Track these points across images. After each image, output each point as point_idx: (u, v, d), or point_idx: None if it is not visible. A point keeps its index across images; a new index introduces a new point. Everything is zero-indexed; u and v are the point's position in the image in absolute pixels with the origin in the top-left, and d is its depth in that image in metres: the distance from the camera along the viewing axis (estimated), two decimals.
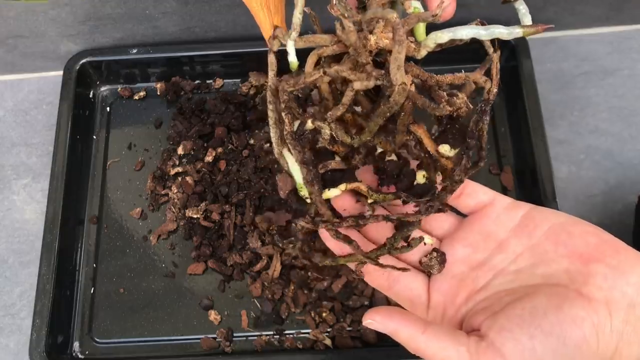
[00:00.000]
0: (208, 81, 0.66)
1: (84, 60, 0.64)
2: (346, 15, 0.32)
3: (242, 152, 0.61)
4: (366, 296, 0.55)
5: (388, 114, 0.33)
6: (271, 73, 0.35)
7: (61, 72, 0.64)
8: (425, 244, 0.38)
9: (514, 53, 0.61)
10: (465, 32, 0.33)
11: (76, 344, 0.56)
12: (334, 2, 0.32)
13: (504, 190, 0.59)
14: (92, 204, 0.61)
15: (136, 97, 0.66)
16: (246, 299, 0.57)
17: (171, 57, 0.64)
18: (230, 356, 0.54)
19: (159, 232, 0.59)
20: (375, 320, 0.34)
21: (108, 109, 0.66)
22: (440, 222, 0.38)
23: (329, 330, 0.54)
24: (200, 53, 0.64)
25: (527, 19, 0.33)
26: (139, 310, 0.57)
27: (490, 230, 0.36)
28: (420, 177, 0.37)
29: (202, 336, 0.55)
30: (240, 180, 0.59)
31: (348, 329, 0.54)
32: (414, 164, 0.37)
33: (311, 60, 0.34)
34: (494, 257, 0.35)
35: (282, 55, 0.35)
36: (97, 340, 0.56)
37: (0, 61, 0.66)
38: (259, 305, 0.56)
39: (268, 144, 0.61)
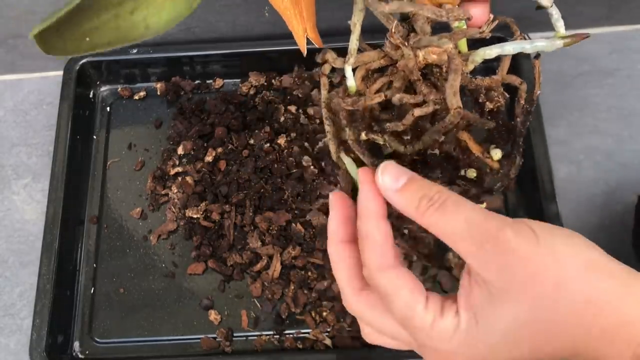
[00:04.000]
0: (208, 81, 0.66)
1: (84, 61, 0.64)
2: (406, 44, 0.34)
3: (242, 152, 0.61)
4: None
5: (443, 132, 0.35)
6: (324, 92, 0.37)
7: (61, 72, 0.64)
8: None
9: None
10: (512, 47, 0.36)
11: (76, 344, 0.56)
12: (394, 32, 0.34)
13: (504, 190, 0.59)
14: (92, 204, 0.61)
15: (136, 97, 0.66)
16: (246, 299, 0.57)
17: (171, 57, 0.64)
18: (230, 356, 0.55)
19: (159, 232, 0.59)
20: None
21: (108, 109, 0.66)
22: None
23: (329, 330, 0.54)
24: (200, 53, 0.64)
25: (560, 25, 0.36)
26: (139, 310, 0.57)
27: None
28: (471, 174, 0.39)
29: (202, 336, 0.55)
30: (240, 180, 0.59)
31: (348, 329, 0.54)
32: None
33: (359, 74, 0.37)
34: None
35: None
36: (97, 340, 0.56)
37: (0, 61, 0.66)
38: (259, 305, 0.56)
39: (268, 144, 0.61)
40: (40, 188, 0.63)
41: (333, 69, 0.38)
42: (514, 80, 0.38)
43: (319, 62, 0.37)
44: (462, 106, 0.33)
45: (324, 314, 0.55)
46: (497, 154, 0.38)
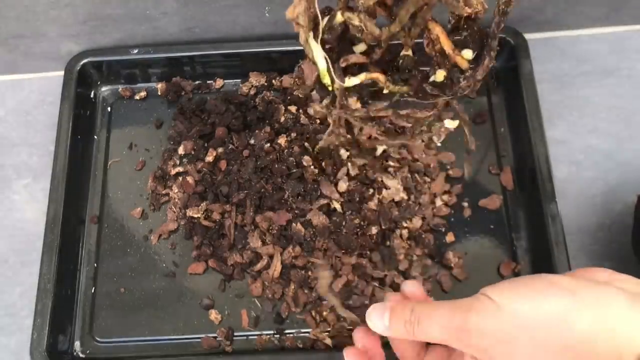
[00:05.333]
0: (208, 81, 0.66)
1: (85, 61, 0.64)
2: None
3: (243, 152, 0.61)
4: (366, 295, 0.55)
5: (421, 2, 0.34)
6: None
7: (62, 72, 0.64)
8: (445, 128, 0.41)
9: (513, 53, 0.62)
10: None
11: (77, 344, 0.56)
12: None
13: (504, 190, 0.60)
14: (93, 203, 0.61)
15: (137, 97, 0.66)
16: (246, 298, 0.57)
17: (172, 58, 0.64)
18: (230, 355, 0.55)
19: (159, 232, 0.59)
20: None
21: (109, 109, 0.66)
22: None
23: (329, 329, 0.55)
24: (200, 53, 0.64)
25: None
26: (139, 310, 0.57)
27: None
28: (440, 76, 0.38)
29: (203, 335, 0.55)
30: (240, 180, 0.59)
31: (348, 328, 0.55)
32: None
33: None
34: None
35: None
36: (98, 339, 0.56)
37: (1, 61, 0.66)
38: (259, 305, 0.56)
39: (268, 144, 0.61)
40: (41, 188, 0.63)
41: None
42: None
43: None
44: None
45: (324, 313, 0.55)
46: (467, 53, 0.37)
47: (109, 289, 0.58)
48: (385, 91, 0.40)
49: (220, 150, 0.61)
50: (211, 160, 0.61)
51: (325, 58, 0.37)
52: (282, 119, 0.62)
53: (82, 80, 0.64)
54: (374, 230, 0.57)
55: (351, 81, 0.39)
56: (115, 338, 0.56)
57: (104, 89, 0.67)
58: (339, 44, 0.39)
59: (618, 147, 0.62)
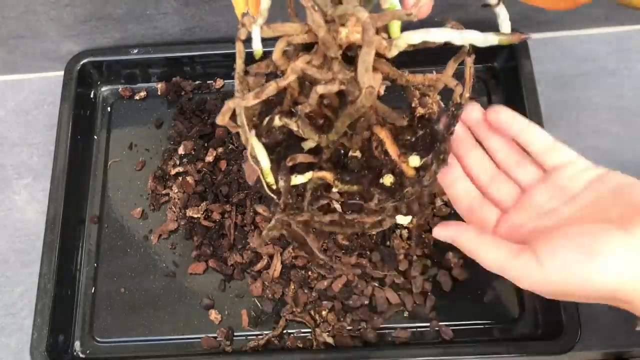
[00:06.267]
0: (208, 81, 0.66)
1: (84, 61, 0.64)
2: (316, 8, 0.31)
3: (243, 152, 0.61)
4: (366, 295, 0.55)
5: (355, 116, 0.32)
6: (239, 61, 0.34)
7: (62, 73, 0.64)
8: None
9: (513, 53, 0.61)
10: (438, 35, 0.32)
11: (77, 344, 0.56)
12: None
13: None
14: (93, 203, 0.61)
15: (137, 97, 0.66)
16: (247, 298, 0.57)
17: (172, 58, 0.64)
18: (230, 355, 0.55)
19: (159, 232, 0.59)
20: (440, 232, 0.38)
21: (109, 109, 0.66)
22: (527, 171, 0.40)
23: (329, 329, 0.55)
24: (200, 53, 0.64)
25: (505, 25, 0.33)
26: (139, 310, 0.57)
27: (566, 185, 0.38)
28: (387, 180, 0.36)
29: (203, 335, 0.55)
30: (240, 180, 0.59)
31: (348, 328, 0.55)
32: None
33: (279, 46, 0.33)
34: (564, 207, 0.37)
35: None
36: (98, 339, 0.56)
37: (1, 61, 0.66)
38: (259, 305, 0.56)
39: None
40: (41, 188, 0.63)
41: None
42: (450, 81, 0.34)
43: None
44: (374, 86, 0.30)
45: (324, 313, 0.55)
46: (414, 160, 0.35)
47: (109, 289, 0.58)
48: (334, 190, 0.37)
49: (220, 150, 0.62)
50: (211, 160, 0.61)
51: (269, 157, 0.35)
52: None
53: (82, 80, 0.64)
54: (374, 230, 0.57)
55: (297, 179, 0.36)
56: (115, 338, 0.56)
57: (104, 89, 0.67)
58: (288, 138, 0.36)
59: (618, 147, 0.61)
